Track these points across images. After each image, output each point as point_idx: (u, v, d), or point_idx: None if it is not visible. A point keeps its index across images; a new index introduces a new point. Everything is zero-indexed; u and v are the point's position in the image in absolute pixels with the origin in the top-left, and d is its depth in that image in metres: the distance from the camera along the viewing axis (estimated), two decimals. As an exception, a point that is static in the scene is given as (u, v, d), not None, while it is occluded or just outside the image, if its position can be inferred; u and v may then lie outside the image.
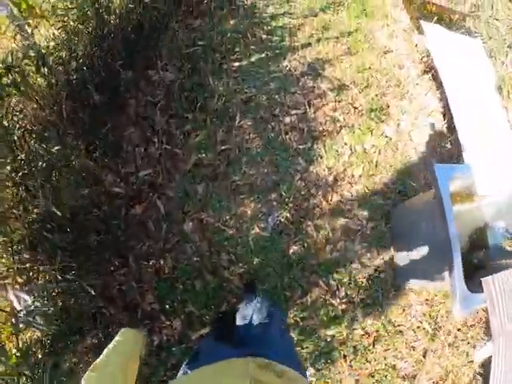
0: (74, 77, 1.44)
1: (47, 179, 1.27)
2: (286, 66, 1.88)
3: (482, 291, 1.36)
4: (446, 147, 1.93)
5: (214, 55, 1.87)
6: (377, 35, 2.16)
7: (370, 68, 1.98)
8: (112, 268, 1.54)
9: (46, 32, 1.39)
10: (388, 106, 1.91)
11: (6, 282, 1.11)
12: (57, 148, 1.39)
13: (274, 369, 0.63)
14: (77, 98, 1.48)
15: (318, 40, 2.01)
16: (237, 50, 1.90)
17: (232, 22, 2.01)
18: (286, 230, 1.53)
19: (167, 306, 1.50)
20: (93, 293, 1.29)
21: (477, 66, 1.81)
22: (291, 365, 0.66)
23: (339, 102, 1.82)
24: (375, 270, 1.61)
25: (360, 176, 1.67)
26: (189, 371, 0.70)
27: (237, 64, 1.85)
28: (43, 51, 1.35)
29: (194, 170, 1.58)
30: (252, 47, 1.92)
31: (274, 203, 1.55)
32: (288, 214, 1.54)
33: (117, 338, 0.68)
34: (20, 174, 1.16)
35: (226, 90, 1.74)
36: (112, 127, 1.63)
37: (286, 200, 1.55)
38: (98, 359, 0.61)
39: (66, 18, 1.44)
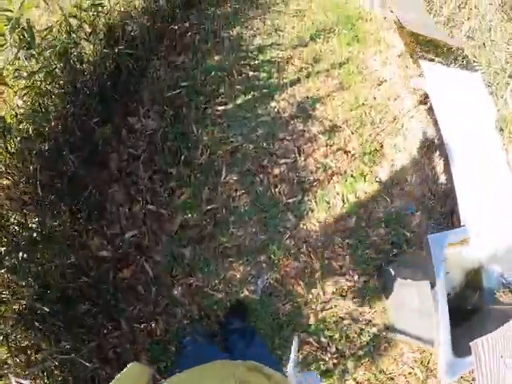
0: (47, 147, 1.36)
1: (31, 260, 1.25)
2: (275, 108, 1.78)
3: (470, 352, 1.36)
4: (441, 185, 1.87)
5: (197, 98, 1.77)
6: (370, 64, 2.04)
7: (363, 104, 1.88)
8: (105, 331, 1.54)
9: (9, 101, 1.30)
10: (382, 146, 1.83)
11: (6, 369, 1.12)
12: (37, 220, 1.36)
13: (263, 371, 0.64)
14: (53, 167, 1.42)
15: (308, 75, 1.90)
16: (221, 90, 1.80)
17: (217, 57, 1.90)
18: (276, 292, 1.51)
19: (162, 367, 1.51)
20: (88, 365, 1.30)
21: (476, 105, 1.72)
22: (277, 369, 0.68)
23: (331, 146, 1.74)
24: (367, 324, 1.60)
25: (352, 229, 1.62)
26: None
27: (222, 108, 1.75)
28: (9, 123, 1.28)
29: (180, 231, 1.53)
30: (238, 87, 1.81)
31: (264, 265, 1.51)
32: (278, 275, 1.51)
33: (124, 370, 0.70)
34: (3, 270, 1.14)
35: (211, 139, 1.66)
36: (94, 186, 1.57)
37: (276, 261, 1.52)
38: None
39: (33, 81, 1.35)
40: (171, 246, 1.53)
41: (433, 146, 1.93)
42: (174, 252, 1.52)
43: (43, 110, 1.39)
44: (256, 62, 1.90)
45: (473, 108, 1.71)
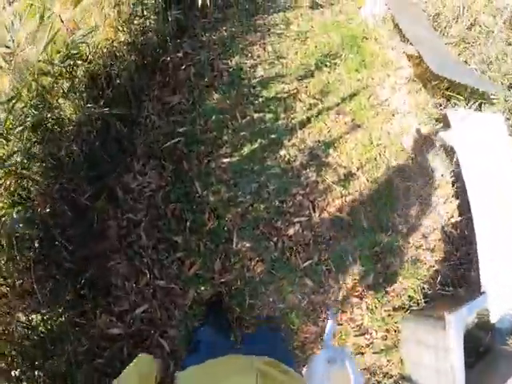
0: (36, 243, 1.19)
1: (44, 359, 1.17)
2: (284, 157, 1.63)
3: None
4: (456, 226, 1.81)
5: (198, 149, 1.60)
6: (379, 92, 1.89)
7: (377, 145, 1.75)
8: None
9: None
10: (396, 189, 1.74)
11: None
12: (40, 318, 1.26)
13: (278, 366, 0.65)
14: (47, 256, 1.26)
15: (318, 113, 1.74)
16: (225, 138, 1.62)
17: (216, 95, 1.69)
18: (296, 358, 1.47)
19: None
20: None
21: (498, 148, 1.64)
22: (290, 365, 0.68)
23: (346, 197, 1.64)
24: (384, 377, 1.62)
25: (370, 287, 1.58)
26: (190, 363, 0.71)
27: (226, 160, 1.59)
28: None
29: (194, 305, 1.44)
30: (242, 133, 1.64)
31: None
32: (298, 343, 1.47)
33: (134, 360, 0.72)
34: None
35: (218, 201, 1.52)
36: (95, 263, 1.43)
37: (295, 330, 1.47)
38: (117, 378, 0.63)
39: (7, 168, 1.15)
40: (186, 320, 1.44)
41: (446, 185, 1.85)
42: (189, 326, 1.44)
43: (25, 197, 1.20)
44: (260, 99, 1.71)
45: (494, 150, 1.63)
